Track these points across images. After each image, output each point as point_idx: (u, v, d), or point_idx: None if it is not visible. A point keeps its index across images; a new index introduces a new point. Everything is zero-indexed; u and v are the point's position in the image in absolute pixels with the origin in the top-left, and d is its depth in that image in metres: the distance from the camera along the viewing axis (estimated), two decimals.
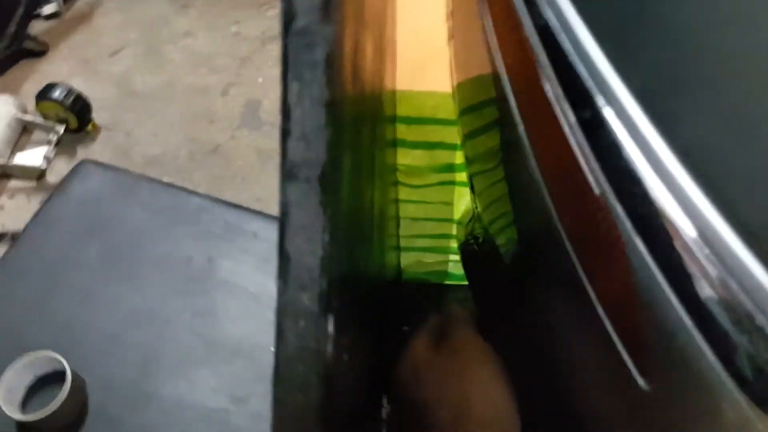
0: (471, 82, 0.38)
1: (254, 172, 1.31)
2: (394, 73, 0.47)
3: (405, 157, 0.52)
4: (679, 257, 0.18)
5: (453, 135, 0.50)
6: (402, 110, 0.50)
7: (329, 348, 0.21)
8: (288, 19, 0.17)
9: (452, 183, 0.53)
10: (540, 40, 0.23)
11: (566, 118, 0.23)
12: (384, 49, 0.40)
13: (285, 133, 0.17)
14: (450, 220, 0.55)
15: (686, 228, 0.18)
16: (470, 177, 0.46)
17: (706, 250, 0.17)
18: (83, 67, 1.52)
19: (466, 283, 0.53)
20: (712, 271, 0.17)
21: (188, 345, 0.93)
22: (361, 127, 0.31)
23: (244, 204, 1.29)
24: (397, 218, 0.55)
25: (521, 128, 0.28)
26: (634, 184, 0.19)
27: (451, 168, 0.52)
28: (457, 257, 0.53)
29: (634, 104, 0.19)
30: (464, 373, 0.37)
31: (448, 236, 0.55)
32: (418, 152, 0.51)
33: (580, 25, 0.21)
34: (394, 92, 0.48)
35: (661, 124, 0.18)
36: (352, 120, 0.25)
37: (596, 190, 0.21)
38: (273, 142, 1.37)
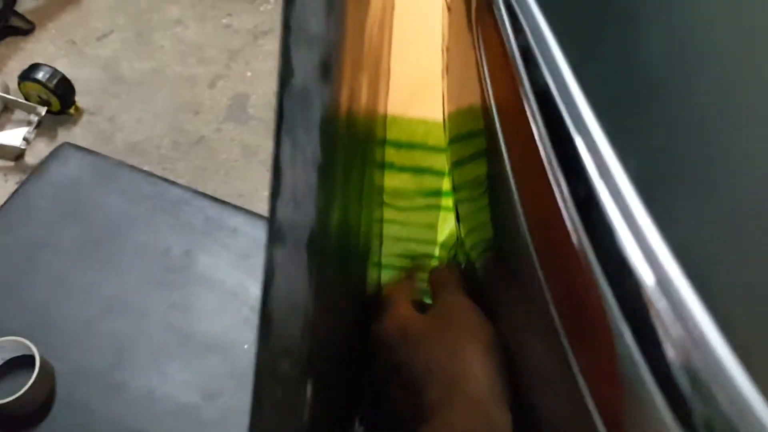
0: (462, 112, 0.38)
1: (238, 166, 1.31)
2: (387, 97, 0.47)
3: (392, 180, 0.52)
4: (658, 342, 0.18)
5: (442, 162, 0.50)
6: (392, 134, 0.50)
7: (305, 413, 0.21)
8: (285, 76, 0.16)
9: (438, 207, 0.53)
10: (537, 104, 0.23)
11: (558, 184, 0.23)
12: (379, 77, 0.40)
13: (275, 193, 0.16)
14: (433, 242, 0.55)
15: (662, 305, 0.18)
16: (456, 203, 0.47)
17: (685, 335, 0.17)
18: (69, 48, 1.50)
19: None
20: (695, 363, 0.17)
21: (162, 337, 0.92)
22: (352, 156, 0.31)
23: (226, 198, 1.28)
24: (381, 237, 0.55)
25: (511, 181, 0.28)
26: (622, 267, 0.19)
27: (437, 193, 0.52)
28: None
29: (630, 187, 0.19)
30: (457, 347, 0.34)
31: (430, 257, 0.56)
32: (406, 176, 0.52)
33: (580, 96, 0.22)
34: (385, 116, 0.49)
35: (655, 211, 0.18)
36: (343, 158, 0.25)
37: (583, 263, 0.22)
38: (259, 137, 1.37)
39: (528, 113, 0.25)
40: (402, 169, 0.51)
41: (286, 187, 0.16)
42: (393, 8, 0.45)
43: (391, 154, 0.51)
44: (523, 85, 0.24)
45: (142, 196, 1.11)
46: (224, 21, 1.61)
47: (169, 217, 1.09)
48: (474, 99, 0.33)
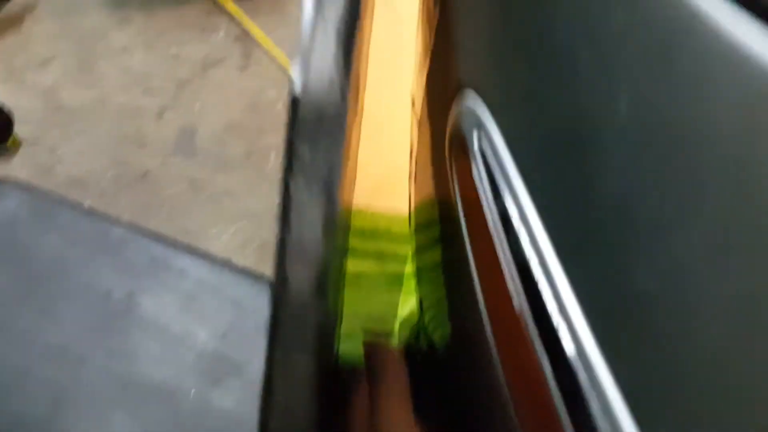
0: (427, 203, 0.38)
1: (184, 202, 1.28)
2: (353, 189, 0.47)
3: (356, 266, 0.52)
4: None
5: (405, 250, 0.51)
6: (357, 223, 0.51)
7: None
8: (279, 293, 0.16)
9: (399, 288, 0.54)
10: (519, 278, 0.23)
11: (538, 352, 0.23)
12: (351, 166, 0.40)
13: (265, 408, 0.15)
14: (393, 318, 0.56)
15: None
16: (418, 284, 0.47)
17: None
18: (8, 75, 1.45)
19: None
20: None
21: (103, 385, 0.89)
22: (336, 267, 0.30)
23: (172, 236, 1.25)
24: (341, 313, 0.55)
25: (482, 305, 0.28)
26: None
27: (399, 278, 0.53)
28: (395, 343, 0.54)
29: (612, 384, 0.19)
30: None
31: (390, 333, 0.56)
32: (368, 262, 0.52)
33: (567, 290, 0.22)
34: (351, 207, 0.49)
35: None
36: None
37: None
38: (207, 171, 1.34)
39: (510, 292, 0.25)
40: (365, 255, 0.52)
41: (278, 398, 0.16)
42: (363, 110, 0.45)
43: (354, 242, 0.52)
44: (502, 250, 0.24)
45: (82, 236, 1.07)
46: (172, 50, 1.57)
47: (111, 258, 1.06)
48: (438, 192, 0.34)
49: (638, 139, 0.18)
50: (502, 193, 0.26)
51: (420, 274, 0.46)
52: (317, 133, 0.17)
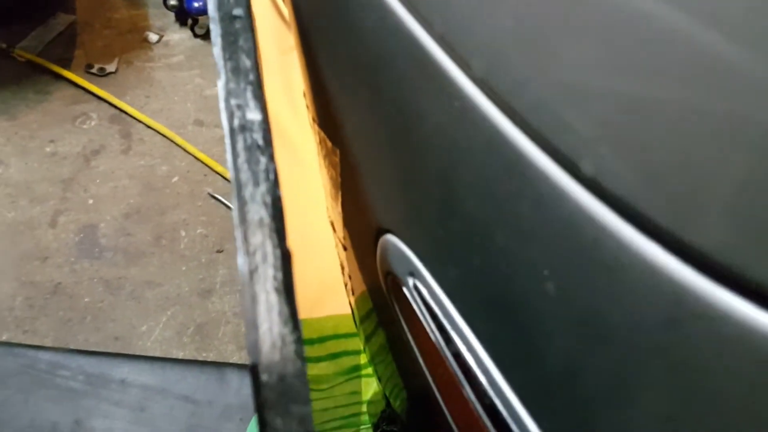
0: (363, 297, 0.40)
1: (105, 307, 1.23)
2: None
3: (311, 369, 0.54)
4: None
5: (355, 343, 0.53)
6: (305, 334, 0.52)
7: None
8: None
9: (359, 377, 0.55)
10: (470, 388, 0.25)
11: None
12: None
13: None
14: (359, 403, 0.57)
15: None
16: (374, 366, 0.49)
17: None
18: None
19: None
20: None
21: None
22: None
23: (102, 347, 1.21)
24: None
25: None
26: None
27: (356, 368, 0.55)
28: (367, 426, 0.56)
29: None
30: None
31: (358, 414, 0.58)
32: (324, 364, 0.53)
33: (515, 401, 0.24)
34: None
35: None
36: None
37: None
38: (119, 269, 1.30)
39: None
40: (319, 359, 0.53)
41: None
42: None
43: (307, 350, 0.53)
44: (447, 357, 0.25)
45: (10, 374, 1.03)
46: (48, 149, 1.51)
47: (47, 389, 1.02)
48: (372, 292, 0.35)
49: (567, 317, 0.20)
50: (449, 334, 0.27)
51: (373, 358, 0.48)
52: (282, 395, 0.18)
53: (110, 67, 1.68)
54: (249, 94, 0.22)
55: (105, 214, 1.39)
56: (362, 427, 0.57)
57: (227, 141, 0.21)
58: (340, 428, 0.56)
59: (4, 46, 1.66)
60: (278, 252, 0.20)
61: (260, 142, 0.21)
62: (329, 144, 0.34)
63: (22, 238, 1.34)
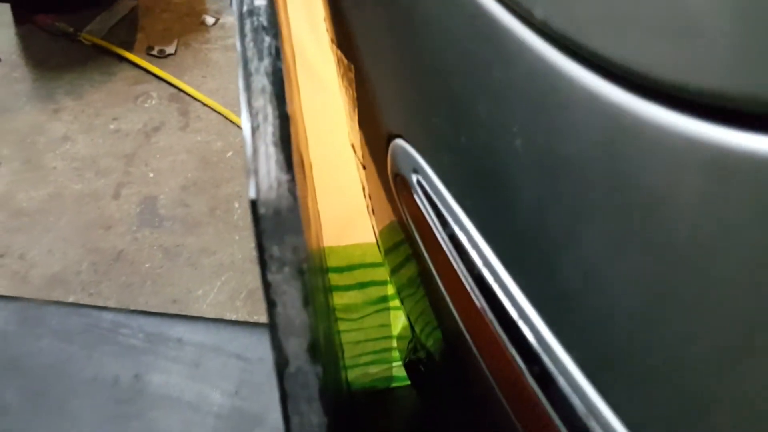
0: (389, 227, 0.42)
1: (164, 272, 1.30)
2: (320, 232, 0.51)
3: (341, 298, 0.56)
4: None
5: (382, 273, 0.55)
6: (332, 262, 0.55)
7: None
8: (282, 365, 0.20)
9: (387, 309, 0.58)
10: (476, 284, 0.27)
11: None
12: (315, 218, 0.44)
13: None
14: (389, 337, 0.60)
15: None
16: (401, 301, 0.51)
17: None
18: None
19: (409, 383, 0.57)
20: None
21: None
22: (321, 305, 0.34)
23: (160, 309, 1.27)
24: (341, 345, 0.59)
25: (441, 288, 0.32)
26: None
27: (384, 299, 0.57)
28: (398, 363, 0.58)
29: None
30: None
31: (389, 349, 0.60)
32: (352, 293, 0.56)
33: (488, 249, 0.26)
34: (323, 249, 0.53)
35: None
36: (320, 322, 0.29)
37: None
38: (177, 237, 1.36)
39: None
40: (348, 287, 0.56)
41: None
42: (311, 166, 0.49)
43: (335, 279, 0.56)
44: (457, 264, 0.28)
45: (75, 331, 1.09)
46: (112, 126, 1.59)
47: (109, 345, 1.08)
48: (401, 223, 0.38)
49: (534, 166, 0.22)
50: (446, 218, 0.30)
51: (400, 291, 0.50)
52: (278, 226, 0.21)
53: (169, 49, 1.75)
54: None
55: (164, 186, 1.46)
56: (393, 363, 0.59)
57: (237, 24, 0.24)
58: (372, 363, 0.59)
59: (71, 30, 1.75)
60: (277, 113, 0.22)
61: (265, 23, 0.24)
62: (345, 61, 0.37)
63: (87, 209, 1.42)
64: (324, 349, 0.27)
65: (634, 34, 0.16)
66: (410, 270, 0.43)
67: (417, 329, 0.49)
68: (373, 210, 0.47)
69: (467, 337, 0.32)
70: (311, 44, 0.50)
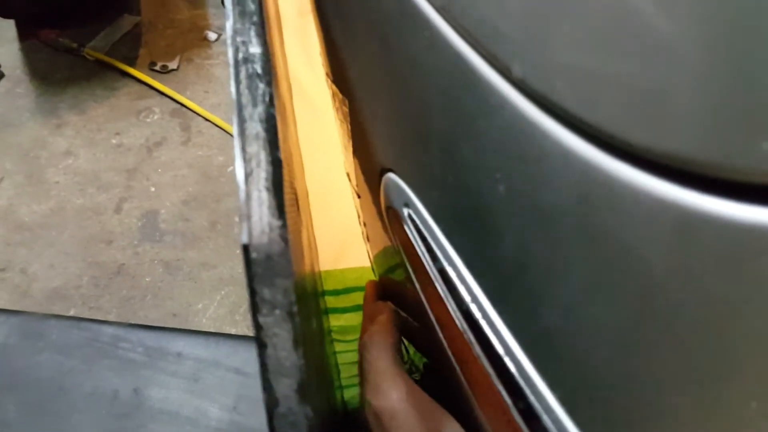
0: (383, 253, 0.43)
1: (164, 286, 1.31)
2: (317, 257, 0.52)
3: (337, 320, 0.57)
4: None
5: None
6: (328, 285, 0.56)
7: None
8: (272, 405, 0.20)
9: None
10: (463, 318, 0.28)
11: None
12: (310, 241, 0.45)
13: None
14: None
15: None
16: None
17: None
18: None
19: None
20: None
21: None
22: (313, 334, 0.35)
23: (160, 323, 1.28)
24: (337, 366, 0.59)
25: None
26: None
27: None
28: None
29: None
30: None
31: None
32: (348, 315, 0.57)
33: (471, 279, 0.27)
34: (319, 273, 0.54)
35: None
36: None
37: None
38: (178, 251, 1.37)
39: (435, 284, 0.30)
40: (344, 310, 0.57)
41: None
42: (307, 194, 0.50)
43: (331, 301, 0.57)
44: (445, 295, 0.29)
45: (76, 345, 1.10)
46: (114, 141, 1.61)
47: (109, 360, 1.09)
48: (391, 251, 0.39)
49: (516, 212, 0.23)
50: (436, 253, 0.31)
51: None
52: (269, 270, 0.22)
53: (172, 65, 1.77)
54: (252, 32, 0.26)
55: (165, 200, 1.47)
56: None
57: (232, 71, 0.25)
58: None
59: (75, 46, 1.77)
60: (270, 159, 0.23)
61: (259, 71, 0.25)
62: (340, 96, 0.38)
63: (89, 223, 1.43)
64: (316, 380, 0.28)
65: (605, 98, 0.17)
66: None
67: (410, 351, 0.50)
68: (367, 237, 0.48)
69: (457, 368, 0.32)
70: (308, 75, 0.51)
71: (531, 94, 0.20)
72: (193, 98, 1.68)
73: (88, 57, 1.76)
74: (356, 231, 0.52)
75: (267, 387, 0.21)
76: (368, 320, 0.44)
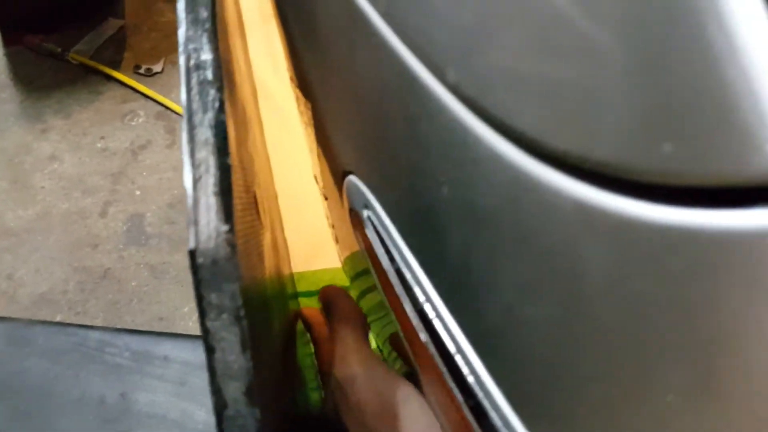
0: (351, 257, 0.44)
1: (150, 290, 1.31)
2: (288, 258, 0.53)
3: None
4: None
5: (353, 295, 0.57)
6: (302, 287, 0.56)
7: None
8: (220, 408, 0.21)
9: None
10: (419, 318, 0.28)
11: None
12: (277, 244, 0.45)
13: None
14: None
15: None
16: (369, 325, 0.53)
17: None
18: None
19: None
20: None
21: None
22: (274, 332, 0.35)
23: (146, 327, 1.28)
24: (314, 366, 0.60)
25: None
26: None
27: None
28: None
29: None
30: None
31: None
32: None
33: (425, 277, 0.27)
34: (291, 274, 0.54)
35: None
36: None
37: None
38: (164, 254, 1.37)
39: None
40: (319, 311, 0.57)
41: None
42: (276, 196, 0.51)
43: (305, 303, 0.57)
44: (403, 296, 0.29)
45: (62, 351, 1.10)
46: (99, 145, 1.60)
47: (96, 364, 1.09)
48: (359, 253, 0.39)
49: (458, 212, 0.23)
50: (393, 254, 0.31)
51: (367, 316, 0.51)
52: (215, 275, 0.22)
53: (157, 68, 1.77)
54: (204, 39, 0.26)
55: (151, 204, 1.47)
56: None
57: (182, 78, 0.26)
58: None
59: (59, 50, 1.76)
60: (219, 164, 0.24)
61: (210, 77, 0.26)
62: (303, 99, 0.38)
63: (74, 227, 1.43)
64: (273, 383, 0.28)
65: (526, 105, 0.18)
66: (373, 299, 0.44)
67: (384, 352, 0.50)
68: (336, 239, 0.49)
69: (417, 368, 0.33)
70: (274, 79, 0.51)
71: (465, 99, 0.20)
72: (177, 101, 1.68)
73: (72, 61, 1.76)
74: (329, 232, 0.52)
75: (215, 390, 0.22)
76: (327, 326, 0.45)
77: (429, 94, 0.22)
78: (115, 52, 1.82)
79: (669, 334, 0.16)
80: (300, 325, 0.55)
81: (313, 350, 0.59)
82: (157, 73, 1.76)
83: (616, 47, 0.14)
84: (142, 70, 1.75)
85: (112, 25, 1.86)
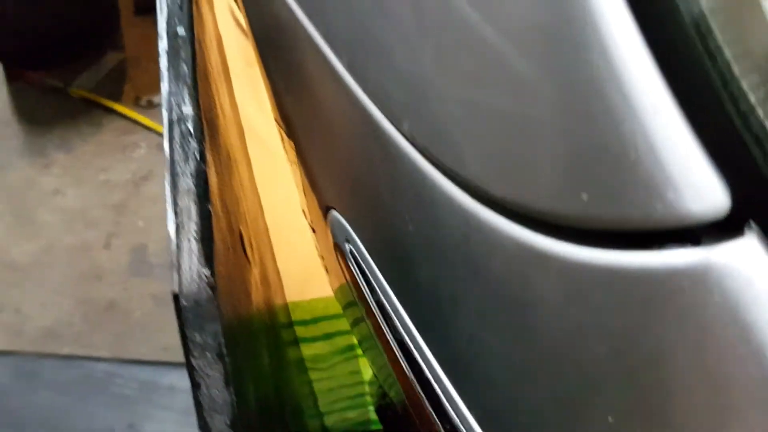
0: (341, 288, 0.45)
1: (154, 320, 1.32)
2: (281, 289, 0.54)
3: (309, 349, 0.59)
4: None
5: (346, 323, 0.58)
6: (297, 316, 0.58)
7: None
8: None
9: (355, 356, 0.61)
10: (399, 348, 0.30)
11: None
12: (268, 276, 0.47)
13: None
14: (362, 383, 0.63)
15: None
16: (363, 353, 0.54)
17: None
18: None
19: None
20: None
21: None
22: (261, 362, 0.37)
23: (152, 356, 1.29)
24: (313, 394, 0.62)
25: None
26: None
27: (351, 348, 0.60)
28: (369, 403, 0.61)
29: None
30: None
31: (364, 395, 0.63)
32: (319, 344, 0.59)
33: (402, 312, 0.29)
34: (285, 304, 0.56)
35: None
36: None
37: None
38: (167, 284, 1.39)
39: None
40: (314, 339, 0.59)
41: None
42: (266, 229, 0.53)
43: (301, 331, 0.59)
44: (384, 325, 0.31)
45: (70, 383, 1.11)
46: (101, 178, 1.63)
47: (103, 396, 1.10)
48: (346, 286, 0.41)
49: (422, 249, 0.25)
50: (374, 286, 0.33)
51: (360, 344, 0.53)
52: (198, 316, 0.24)
53: (156, 99, 1.80)
54: (185, 93, 0.28)
55: (154, 234, 1.49)
56: (370, 408, 0.62)
57: (165, 130, 0.28)
58: (348, 408, 0.61)
59: (61, 85, 1.80)
60: (199, 211, 0.26)
61: (191, 129, 0.27)
62: (288, 139, 0.40)
63: (79, 260, 1.45)
64: (259, 414, 0.30)
65: (470, 156, 0.19)
66: (364, 328, 0.46)
67: (380, 379, 0.52)
68: (326, 269, 0.50)
69: (403, 395, 0.34)
70: (260, 120, 0.53)
71: (419, 148, 0.22)
72: None
73: (74, 95, 1.79)
74: (317, 262, 0.54)
75: (202, 424, 0.23)
76: None
77: (390, 141, 0.24)
78: (115, 85, 1.85)
79: (603, 360, 0.17)
80: (297, 354, 0.56)
81: (311, 377, 0.61)
82: (157, 104, 1.79)
83: (539, 116, 0.16)
84: (142, 102, 1.78)
85: (112, 59, 1.90)
